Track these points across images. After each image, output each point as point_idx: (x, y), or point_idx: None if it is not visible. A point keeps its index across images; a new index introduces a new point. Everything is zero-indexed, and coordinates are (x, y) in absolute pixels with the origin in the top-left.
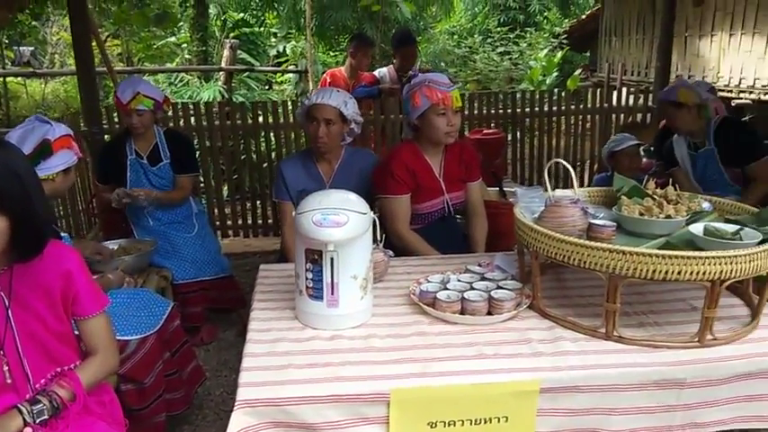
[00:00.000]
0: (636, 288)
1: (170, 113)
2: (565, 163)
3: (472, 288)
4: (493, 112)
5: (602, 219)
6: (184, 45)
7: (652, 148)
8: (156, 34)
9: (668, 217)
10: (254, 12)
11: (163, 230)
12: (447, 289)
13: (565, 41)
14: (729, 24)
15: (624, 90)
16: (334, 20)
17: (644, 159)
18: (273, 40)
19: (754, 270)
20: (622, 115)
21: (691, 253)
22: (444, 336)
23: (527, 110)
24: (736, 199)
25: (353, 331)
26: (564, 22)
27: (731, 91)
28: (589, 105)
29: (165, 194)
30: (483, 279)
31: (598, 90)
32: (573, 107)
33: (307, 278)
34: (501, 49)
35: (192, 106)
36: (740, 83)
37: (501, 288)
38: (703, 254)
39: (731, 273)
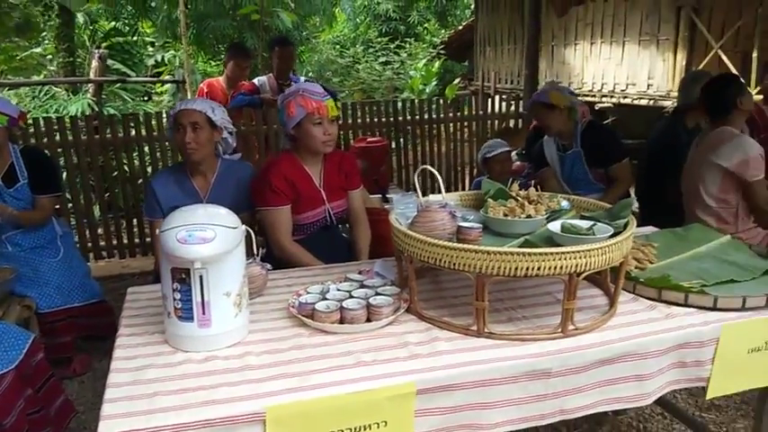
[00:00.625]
0: (507, 285)
1: (32, 129)
2: (432, 169)
3: (351, 296)
4: (376, 120)
5: (472, 221)
6: (50, 56)
7: (524, 152)
8: (20, 45)
9: (529, 216)
10: (127, 20)
11: (24, 256)
12: (326, 299)
13: (443, 51)
14: (590, 34)
15: (498, 98)
16: (213, 28)
17: (516, 163)
18: (151, 49)
19: (607, 262)
20: (496, 121)
21: (547, 249)
22: (323, 347)
23: (408, 118)
24: (599, 197)
25: (228, 351)
26: (442, 33)
27: (594, 95)
28: (466, 113)
29: (23, 213)
30: (362, 287)
31: (473, 98)
32: (451, 115)
33: (175, 299)
34: (383, 59)
35: (56, 120)
36: (602, 88)
37: (379, 294)
38: (559, 249)
39: (586, 266)
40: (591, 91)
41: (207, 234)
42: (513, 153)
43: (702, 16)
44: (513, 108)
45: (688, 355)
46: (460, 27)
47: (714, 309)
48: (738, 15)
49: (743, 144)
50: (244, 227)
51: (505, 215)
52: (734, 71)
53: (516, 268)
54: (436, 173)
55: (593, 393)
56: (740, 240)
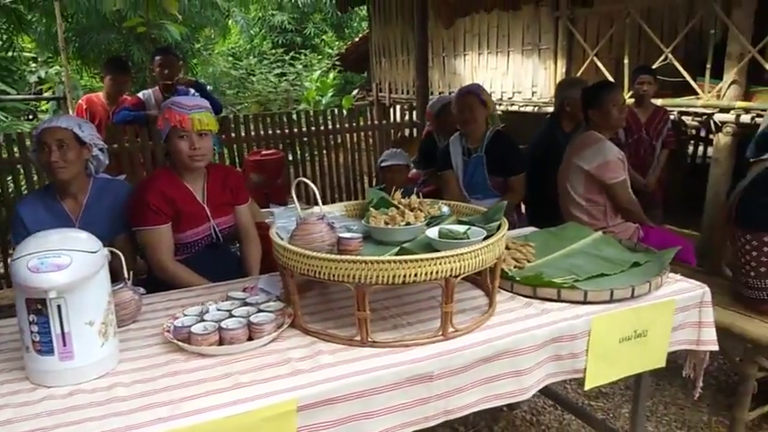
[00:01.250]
0: (393, 292)
1: None
2: (307, 181)
3: (232, 316)
4: (271, 132)
5: (355, 231)
6: None
7: (418, 160)
8: None
9: (408, 224)
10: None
11: None
12: (204, 320)
13: (338, 63)
14: (477, 45)
15: (394, 108)
16: (97, 42)
17: (413, 171)
18: (33, 65)
19: (481, 264)
20: (392, 131)
21: (422, 256)
22: (200, 371)
23: (304, 129)
24: (493, 202)
25: (95, 383)
26: (339, 45)
27: None
28: (361, 123)
29: None
30: (245, 305)
31: (368, 108)
32: (347, 125)
33: (32, 332)
34: (278, 71)
35: None
36: (490, 96)
37: (262, 311)
38: (433, 255)
39: (460, 269)
40: (490, 98)
41: (62, 260)
42: (411, 161)
43: (578, 26)
44: (407, 117)
45: (563, 348)
46: (357, 39)
47: (585, 302)
48: (610, 25)
49: (603, 149)
50: (106, 250)
51: (386, 223)
52: (609, 77)
53: (394, 276)
54: (311, 184)
55: (474, 392)
56: (613, 235)
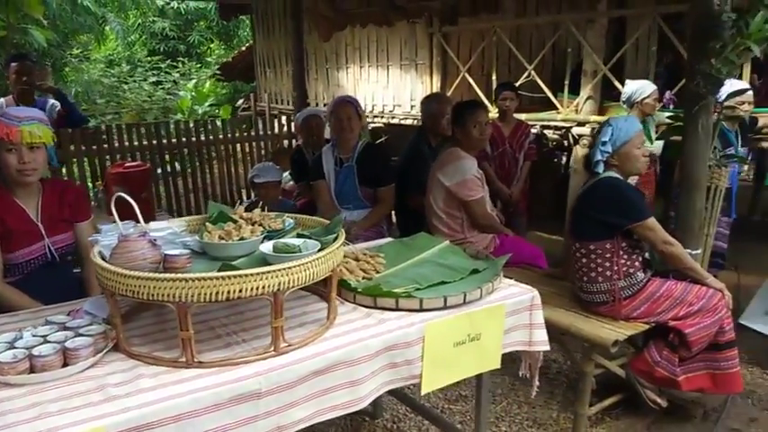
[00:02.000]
0: (233, 309)
1: None
2: (125, 196)
3: (47, 341)
4: (137, 144)
5: (191, 247)
6: None
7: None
8: None
9: (242, 239)
10: None
11: None
12: (15, 348)
13: (218, 72)
14: (359, 58)
15: (279, 119)
16: None
17: (289, 183)
18: None
19: (312, 277)
20: (270, 142)
21: (246, 271)
22: (5, 403)
23: (175, 140)
24: (365, 214)
25: None
26: (228, 53)
27: (368, 117)
28: (237, 135)
29: None
30: (64, 329)
31: (250, 119)
32: (221, 136)
33: None
34: (153, 79)
35: None
36: (373, 109)
37: (81, 336)
38: (258, 270)
39: (289, 283)
40: (364, 112)
41: None
42: (286, 174)
43: (451, 43)
44: (286, 129)
45: (397, 355)
46: (244, 48)
47: (421, 310)
48: (480, 42)
49: (462, 167)
50: None
51: (221, 238)
52: (479, 92)
53: (217, 293)
54: (130, 200)
55: (309, 405)
56: (470, 245)
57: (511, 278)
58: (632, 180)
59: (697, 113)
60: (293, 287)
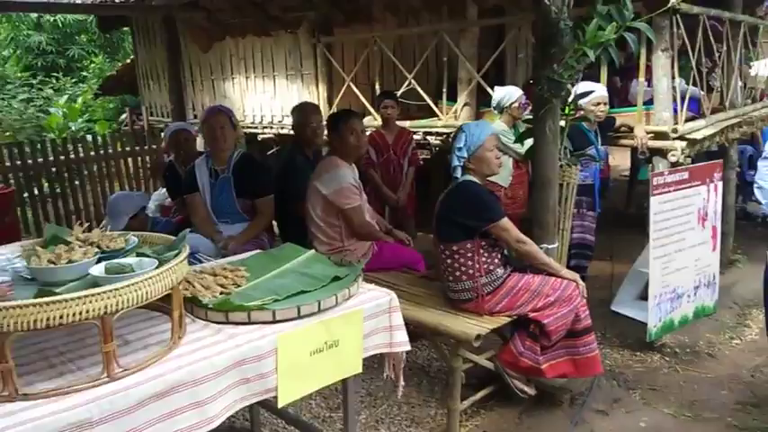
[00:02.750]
0: (76, 335)
1: None
2: None
3: None
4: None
5: (21, 273)
6: None
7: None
8: None
9: (71, 261)
10: None
11: None
12: None
13: (100, 86)
14: (245, 69)
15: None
16: None
17: (167, 200)
18: None
19: (145, 297)
20: (150, 157)
21: (65, 296)
22: None
23: (39, 160)
24: (244, 228)
25: None
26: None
27: (257, 127)
28: (111, 151)
29: None
30: None
31: (133, 133)
32: (93, 153)
33: None
34: (23, 96)
35: None
36: (262, 119)
37: None
38: (77, 294)
39: (117, 305)
40: (253, 123)
41: None
42: (163, 190)
43: (336, 53)
44: (163, 144)
45: (249, 370)
46: (129, 61)
47: (274, 322)
48: (364, 52)
49: (338, 175)
50: None
51: (51, 262)
52: (365, 101)
53: (35, 321)
54: None
55: (152, 431)
56: (347, 252)
57: (383, 282)
58: (509, 179)
59: (544, 116)
60: (123, 309)
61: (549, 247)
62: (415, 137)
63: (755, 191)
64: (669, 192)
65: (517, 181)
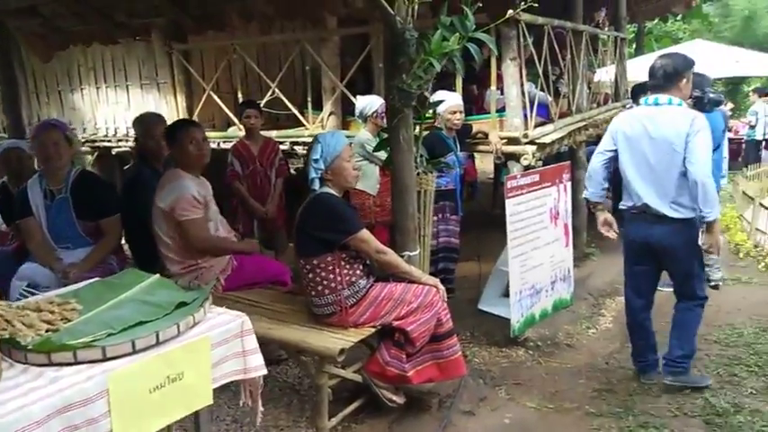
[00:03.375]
0: None
1: None
2: None
3: None
4: None
5: None
6: None
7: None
8: None
9: None
10: None
11: None
12: None
13: None
14: (95, 79)
15: None
16: None
17: (2, 226)
18: None
19: None
20: None
21: None
22: None
23: None
24: (87, 252)
25: None
26: None
27: (110, 140)
28: None
29: None
30: None
31: None
32: None
33: None
34: None
35: None
36: (116, 132)
37: None
38: None
39: None
40: (106, 136)
41: None
42: None
43: (195, 61)
44: None
45: (76, 416)
46: None
47: (105, 359)
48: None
49: (178, 186)
50: None
51: None
52: (228, 111)
53: None
54: None
55: None
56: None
57: (244, 301)
58: (376, 187)
59: (397, 125)
60: None
61: (411, 254)
62: (283, 147)
63: (585, 179)
64: (522, 194)
65: (384, 189)
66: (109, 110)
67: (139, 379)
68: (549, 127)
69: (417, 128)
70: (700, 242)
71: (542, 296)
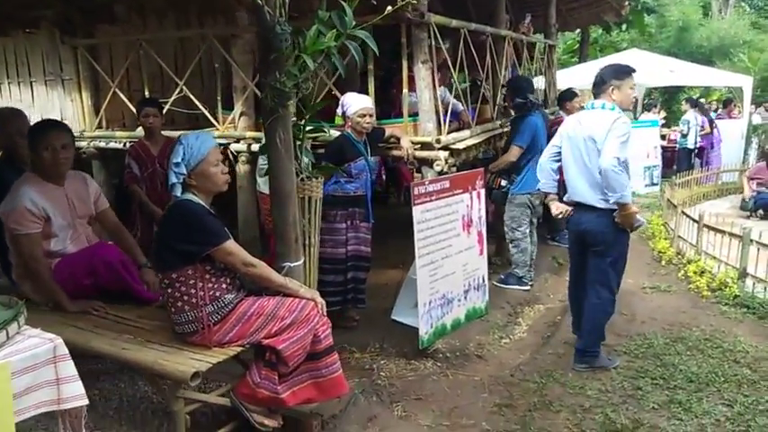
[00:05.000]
0: None
1: None
2: None
3: None
4: None
5: None
6: None
7: None
8: None
9: None
10: None
11: None
12: None
13: None
14: None
15: None
16: None
17: None
18: None
19: None
20: None
21: None
22: None
23: None
24: None
25: None
26: None
27: None
28: None
29: None
30: None
31: None
32: None
33: None
34: None
35: None
36: None
37: None
38: None
39: None
40: None
41: None
42: None
43: (102, 58)
44: None
45: None
46: None
47: None
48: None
49: (16, 193)
50: None
51: None
52: (133, 110)
53: None
54: None
55: None
56: None
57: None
58: None
59: (273, 127)
60: None
61: (292, 264)
62: None
63: (537, 172)
64: (431, 200)
65: None
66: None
67: None
68: (465, 133)
69: (301, 130)
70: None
71: (454, 306)
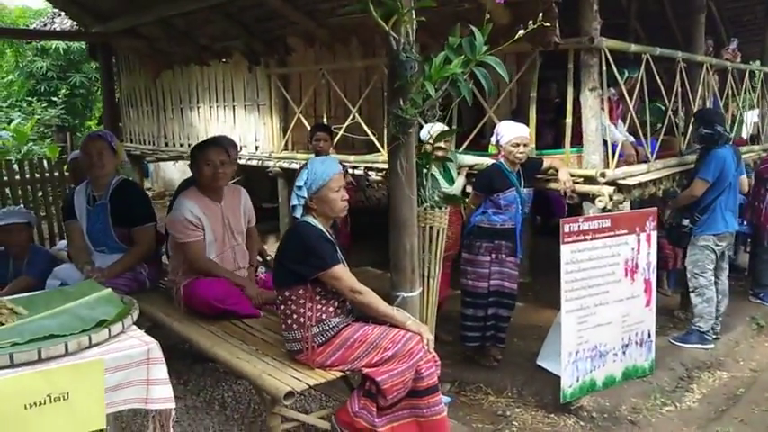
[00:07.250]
0: None
1: None
2: None
3: None
4: None
5: None
6: None
7: None
8: None
9: None
10: None
11: None
12: None
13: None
14: (208, 98)
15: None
16: None
17: None
18: None
19: None
20: None
21: None
22: None
23: None
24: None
25: None
26: None
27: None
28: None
29: None
30: None
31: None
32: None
33: None
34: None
35: None
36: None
37: None
38: None
39: None
40: (120, 146)
41: None
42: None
43: (292, 84)
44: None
45: None
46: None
47: None
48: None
49: (177, 205)
50: None
51: None
52: None
53: None
54: None
55: None
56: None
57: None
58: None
59: (395, 154)
60: None
61: (407, 295)
62: (358, 172)
63: None
64: (585, 240)
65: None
66: (218, 127)
67: (13, 393)
68: (640, 167)
69: (428, 159)
70: None
71: (609, 360)
